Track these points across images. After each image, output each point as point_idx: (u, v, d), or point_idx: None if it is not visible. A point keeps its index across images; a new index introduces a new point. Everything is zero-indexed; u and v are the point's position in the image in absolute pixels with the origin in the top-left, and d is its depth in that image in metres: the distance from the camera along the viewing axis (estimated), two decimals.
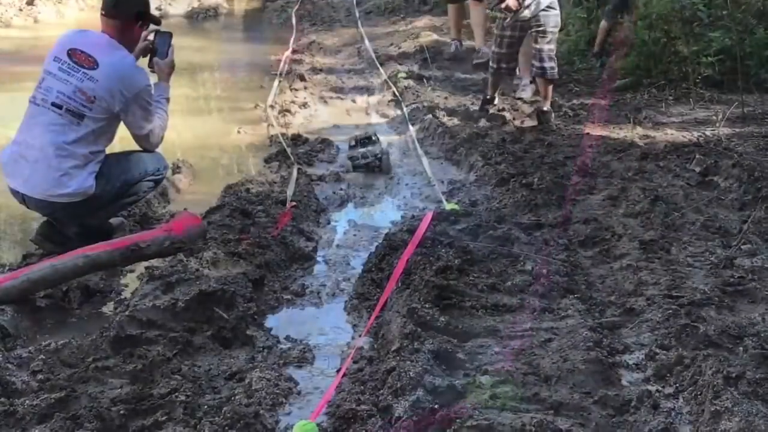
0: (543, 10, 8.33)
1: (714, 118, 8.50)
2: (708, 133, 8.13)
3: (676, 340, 4.21)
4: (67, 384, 3.88)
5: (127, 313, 4.51)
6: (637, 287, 4.92)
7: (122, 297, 5.11)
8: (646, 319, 4.52)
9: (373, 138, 7.74)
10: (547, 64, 8.43)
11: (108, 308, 5.03)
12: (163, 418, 3.58)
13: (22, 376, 3.99)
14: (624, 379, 3.99)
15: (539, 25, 8.38)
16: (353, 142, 7.73)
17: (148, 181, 5.69)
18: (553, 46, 8.47)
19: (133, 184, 5.60)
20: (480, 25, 11.11)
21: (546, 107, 8.70)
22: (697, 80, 9.60)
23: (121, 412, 3.62)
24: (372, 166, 7.49)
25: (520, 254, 5.27)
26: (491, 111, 9.10)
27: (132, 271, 5.46)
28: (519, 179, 6.72)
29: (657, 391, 3.87)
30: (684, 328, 4.26)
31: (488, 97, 9.17)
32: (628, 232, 5.72)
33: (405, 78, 10.72)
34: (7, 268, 5.29)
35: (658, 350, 4.16)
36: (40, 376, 3.99)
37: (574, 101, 9.54)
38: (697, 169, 7.04)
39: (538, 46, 8.41)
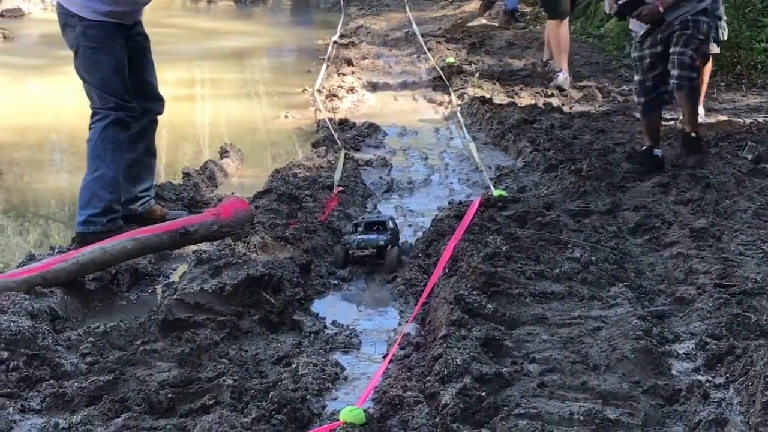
0: (698, 13, 6.62)
1: (766, 104, 8.38)
2: (760, 119, 8.02)
3: (727, 329, 4.15)
4: (116, 367, 3.91)
5: (175, 296, 4.54)
6: (688, 276, 4.86)
7: (170, 280, 5.14)
8: (696, 308, 4.46)
9: (387, 224, 5.52)
10: (686, 73, 6.63)
11: (156, 291, 5.07)
12: (211, 402, 3.60)
13: (71, 358, 4.02)
14: (674, 368, 3.94)
15: (688, 29, 6.60)
16: (358, 224, 5.56)
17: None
18: (695, 54, 6.66)
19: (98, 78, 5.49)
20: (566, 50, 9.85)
21: (693, 131, 6.95)
22: (750, 66, 9.47)
23: (169, 395, 3.64)
24: (372, 259, 5.36)
25: (568, 241, 5.23)
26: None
27: (180, 255, 5.49)
28: (568, 165, 6.66)
29: (707, 381, 3.82)
30: (735, 317, 4.21)
31: (646, 148, 6.82)
32: (678, 219, 5.65)
33: (453, 63, 10.68)
34: (57, 250, 5.34)
35: (708, 340, 4.11)
36: (89, 359, 4.02)
37: (624, 87, 9.44)
38: (749, 157, 6.94)
39: (678, 49, 6.59)
